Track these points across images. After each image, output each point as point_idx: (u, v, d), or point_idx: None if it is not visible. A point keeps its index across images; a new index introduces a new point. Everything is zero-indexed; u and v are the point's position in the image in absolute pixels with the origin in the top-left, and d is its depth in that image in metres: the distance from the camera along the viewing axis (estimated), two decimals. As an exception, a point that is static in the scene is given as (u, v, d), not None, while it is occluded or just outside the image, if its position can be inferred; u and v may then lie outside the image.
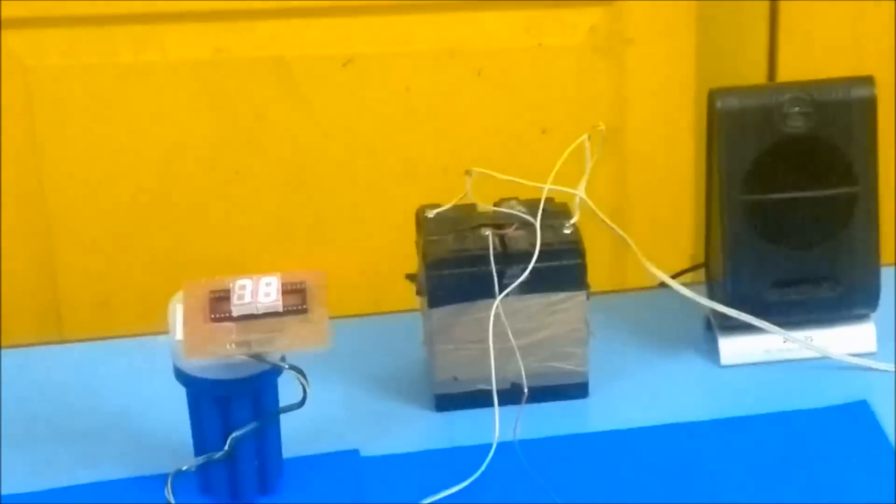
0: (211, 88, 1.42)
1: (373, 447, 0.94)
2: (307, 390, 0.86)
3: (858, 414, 0.95)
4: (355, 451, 0.94)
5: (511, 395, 0.90)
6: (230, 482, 0.88)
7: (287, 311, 0.86)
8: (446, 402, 0.97)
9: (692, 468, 0.91)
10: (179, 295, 0.86)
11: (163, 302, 0.86)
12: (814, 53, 1.45)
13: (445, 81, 1.41)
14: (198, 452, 0.87)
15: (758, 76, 1.48)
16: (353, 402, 1.01)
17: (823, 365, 1.01)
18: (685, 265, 1.13)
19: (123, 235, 1.49)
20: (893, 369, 0.99)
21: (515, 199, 0.98)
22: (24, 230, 1.46)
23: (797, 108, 0.96)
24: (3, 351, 1.06)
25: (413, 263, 0.99)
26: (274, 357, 0.85)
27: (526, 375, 0.91)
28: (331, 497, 0.90)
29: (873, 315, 1.02)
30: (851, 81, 0.97)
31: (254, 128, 1.43)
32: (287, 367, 0.86)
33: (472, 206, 0.98)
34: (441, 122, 1.45)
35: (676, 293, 1.00)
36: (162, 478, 0.87)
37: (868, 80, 0.97)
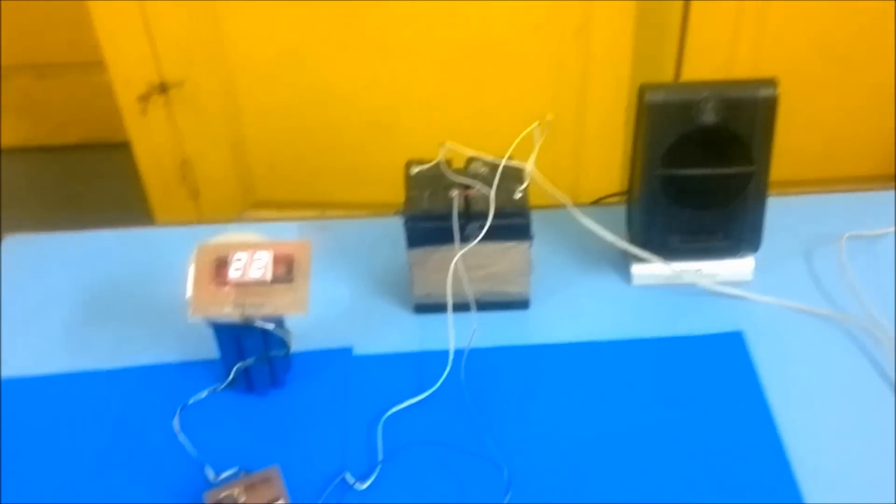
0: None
1: (363, 344, 1.20)
2: (290, 346, 1.09)
3: (733, 342, 1.20)
4: (349, 349, 1.19)
5: (469, 307, 1.18)
6: (248, 383, 1.14)
7: (275, 280, 1.03)
8: (422, 308, 1.25)
9: (590, 382, 1.15)
10: (193, 256, 1.06)
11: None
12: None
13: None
14: (223, 368, 1.13)
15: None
16: (354, 300, 1.27)
17: (710, 292, 1.27)
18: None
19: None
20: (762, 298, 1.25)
21: (482, 160, 1.21)
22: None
23: (710, 104, 1.16)
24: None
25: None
26: (264, 318, 1.04)
27: (481, 295, 1.18)
28: (326, 390, 1.14)
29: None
30: (757, 83, 1.16)
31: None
32: (272, 327, 1.06)
33: (447, 165, 1.21)
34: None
35: (607, 211, 1.29)
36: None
37: (771, 82, 1.16)
